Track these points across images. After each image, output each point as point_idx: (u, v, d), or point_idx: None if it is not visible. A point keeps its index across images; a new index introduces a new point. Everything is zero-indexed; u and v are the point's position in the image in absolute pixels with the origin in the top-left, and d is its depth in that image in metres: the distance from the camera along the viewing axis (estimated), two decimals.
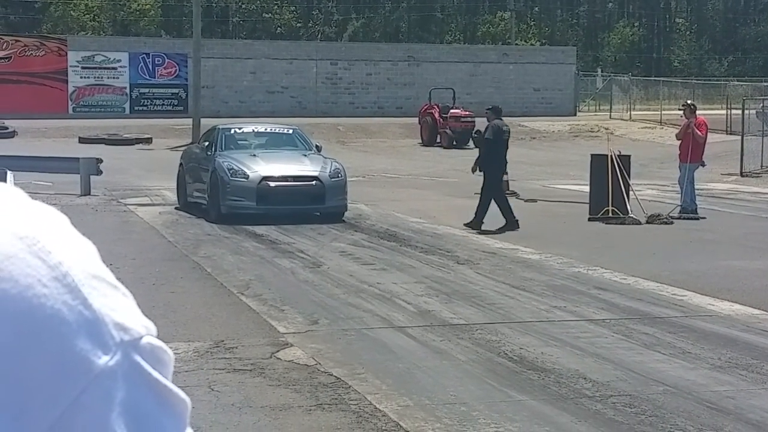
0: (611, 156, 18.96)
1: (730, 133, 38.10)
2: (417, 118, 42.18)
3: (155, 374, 0.85)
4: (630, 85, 54.06)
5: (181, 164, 20.92)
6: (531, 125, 45.50)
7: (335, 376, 8.14)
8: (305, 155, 19.47)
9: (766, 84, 52.07)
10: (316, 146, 20.23)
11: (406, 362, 8.71)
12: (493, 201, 17.41)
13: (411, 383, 8.02)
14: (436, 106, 41.14)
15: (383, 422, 7.00)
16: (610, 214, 18.48)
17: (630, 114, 50.37)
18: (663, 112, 47.19)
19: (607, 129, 43.41)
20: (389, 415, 7.14)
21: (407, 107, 49.55)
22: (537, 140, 42.78)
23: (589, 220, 18.51)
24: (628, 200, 18.81)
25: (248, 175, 18.16)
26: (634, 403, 7.46)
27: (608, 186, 18.55)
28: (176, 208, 19.80)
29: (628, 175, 19.09)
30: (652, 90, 55.44)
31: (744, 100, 35.37)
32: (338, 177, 18.57)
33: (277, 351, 9.01)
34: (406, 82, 52.91)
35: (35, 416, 0.79)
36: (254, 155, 18.97)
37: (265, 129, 21.23)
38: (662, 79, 58.27)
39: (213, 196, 18.45)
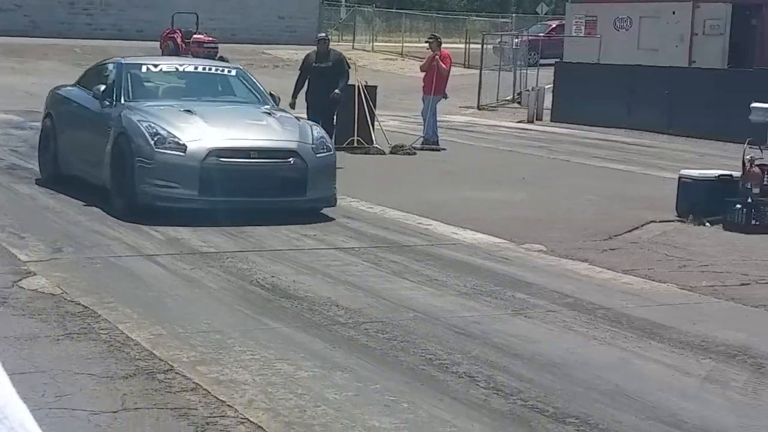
0: (358, 86, 19.13)
1: (468, 67, 39.19)
2: (158, 43, 41.21)
3: None
4: (373, 16, 54.61)
5: (48, 114, 14.16)
6: (275, 53, 45.31)
7: (83, 305, 7.90)
8: (267, 113, 12.71)
9: (502, 20, 53.80)
10: (271, 95, 13.48)
11: (157, 291, 8.56)
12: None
13: (163, 312, 7.88)
14: (178, 31, 40.26)
15: (136, 351, 6.85)
16: (356, 144, 18.71)
17: (372, 45, 50.95)
18: (405, 44, 47.98)
19: (350, 59, 43.75)
20: (142, 344, 6.99)
21: (148, 30, 48.22)
22: (281, 68, 42.59)
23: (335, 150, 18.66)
24: (374, 130, 19.08)
25: (185, 145, 11.44)
26: (386, 329, 7.61)
27: (354, 116, 18.75)
28: (37, 182, 13.87)
29: (374, 106, 19.35)
30: (395, 22, 56.23)
31: (483, 35, 36.45)
32: (325, 151, 12.31)
33: (20, 280, 8.66)
34: (147, 4, 51.43)
35: None
36: (189, 111, 12.16)
37: (194, 68, 14.23)
38: (405, 11, 59.16)
39: (119, 175, 11.72)
